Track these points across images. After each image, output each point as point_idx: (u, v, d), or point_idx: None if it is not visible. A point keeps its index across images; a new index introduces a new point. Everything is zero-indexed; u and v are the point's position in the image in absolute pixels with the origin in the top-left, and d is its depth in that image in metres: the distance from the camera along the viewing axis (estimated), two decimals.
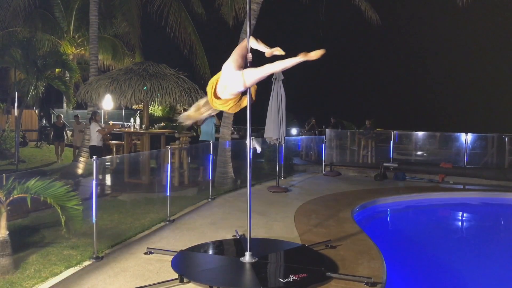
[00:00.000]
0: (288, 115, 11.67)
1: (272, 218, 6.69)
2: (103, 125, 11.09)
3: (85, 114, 12.22)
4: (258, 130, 13.56)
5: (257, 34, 4.48)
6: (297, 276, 4.00)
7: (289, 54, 3.94)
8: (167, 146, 8.62)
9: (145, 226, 6.01)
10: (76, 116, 14.36)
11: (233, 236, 5.52)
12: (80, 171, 10.44)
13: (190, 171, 9.82)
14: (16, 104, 14.80)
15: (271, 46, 4.25)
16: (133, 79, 9.32)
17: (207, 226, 6.14)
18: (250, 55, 4.23)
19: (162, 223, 6.23)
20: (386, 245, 5.99)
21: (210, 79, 4.24)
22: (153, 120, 16.95)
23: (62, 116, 15.16)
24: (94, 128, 9.35)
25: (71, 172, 10.52)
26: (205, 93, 4.29)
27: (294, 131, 17.16)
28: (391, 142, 12.98)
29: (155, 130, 13.52)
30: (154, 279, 4.11)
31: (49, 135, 17.03)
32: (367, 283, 4.03)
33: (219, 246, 5.19)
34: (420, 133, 13.63)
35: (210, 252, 4.98)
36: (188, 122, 4.64)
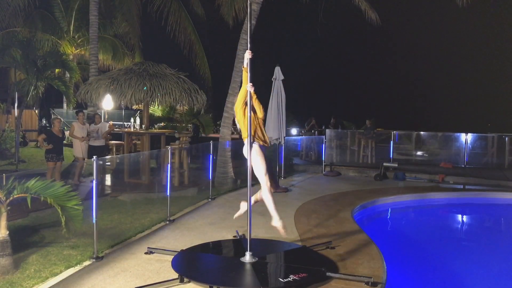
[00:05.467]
0: (288, 115, 11.66)
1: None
2: None
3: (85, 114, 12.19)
4: None
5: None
6: (297, 276, 4.00)
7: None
8: (167, 146, 8.62)
9: (145, 226, 6.01)
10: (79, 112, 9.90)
11: (233, 236, 5.52)
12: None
13: (190, 171, 9.81)
14: (16, 104, 14.76)
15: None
16: (133, 79, 9.31)
17: (207, 226, 6.14)
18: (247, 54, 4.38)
19: (162, 223, 6.23)
20: (386, 245, 5.99)
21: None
22: (153, 120, 16.95)
23: (62, 119, 10.31)
24: None
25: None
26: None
27: (294, 131, 17.15)
28: (391, 142, 12.99)
29: (155, 130, 13.52)
30: (154, 279, 4.11)
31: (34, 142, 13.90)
32: (367, 283, 4.03)
33: (219, 246, 5.19)
34: (420, 133, 13.63)
35: (210, 252, 4.98)
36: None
